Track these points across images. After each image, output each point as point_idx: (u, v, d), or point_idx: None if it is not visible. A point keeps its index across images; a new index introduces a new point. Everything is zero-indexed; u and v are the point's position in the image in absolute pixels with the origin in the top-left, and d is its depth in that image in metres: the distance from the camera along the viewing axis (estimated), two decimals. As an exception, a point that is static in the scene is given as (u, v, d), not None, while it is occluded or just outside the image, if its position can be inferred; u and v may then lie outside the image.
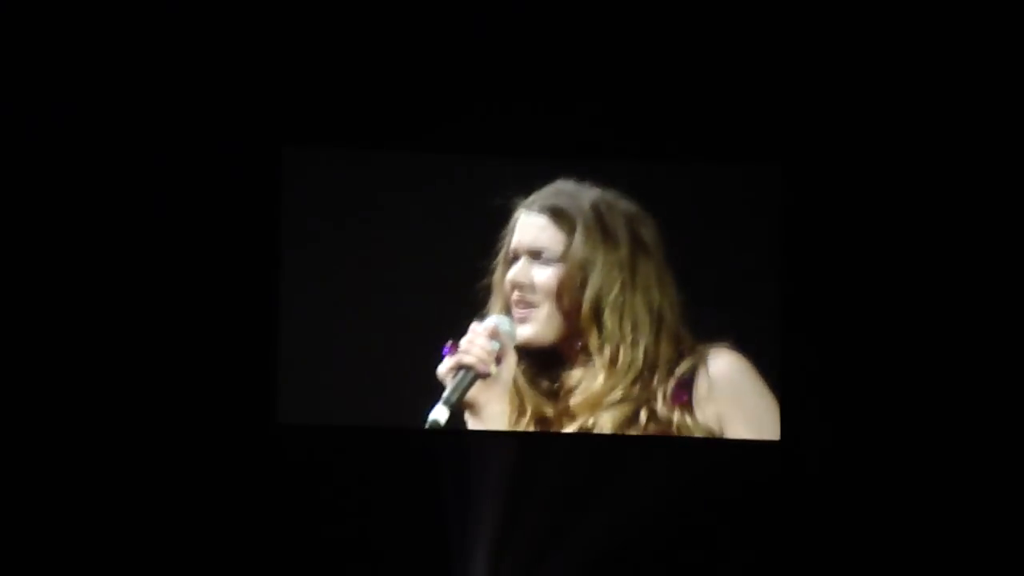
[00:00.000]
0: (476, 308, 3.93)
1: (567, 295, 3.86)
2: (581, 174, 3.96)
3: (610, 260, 3.87)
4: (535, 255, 3.87)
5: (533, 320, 3.87)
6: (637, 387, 3.89)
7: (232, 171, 4.10)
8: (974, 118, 4.16)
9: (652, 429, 3.89)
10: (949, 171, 4.17)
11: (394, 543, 4.09)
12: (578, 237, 3.87)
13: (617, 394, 3.88)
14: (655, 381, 3.90)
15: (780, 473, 4.13)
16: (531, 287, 3.86)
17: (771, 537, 4.12)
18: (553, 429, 3.91)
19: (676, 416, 3.87)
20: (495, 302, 3.91)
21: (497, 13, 4.14)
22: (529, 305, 3.86)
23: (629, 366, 3.88)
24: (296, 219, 4.12)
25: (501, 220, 3.94)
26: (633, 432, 3.90)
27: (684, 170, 4.18)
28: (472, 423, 3.81)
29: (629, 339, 3.87)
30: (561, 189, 3.94)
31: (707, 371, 3.88)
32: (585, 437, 3.96)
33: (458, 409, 3.77)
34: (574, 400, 3.89)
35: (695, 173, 4.19)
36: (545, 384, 3.90)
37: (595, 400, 3.87)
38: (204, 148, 4.10)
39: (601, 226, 3.89)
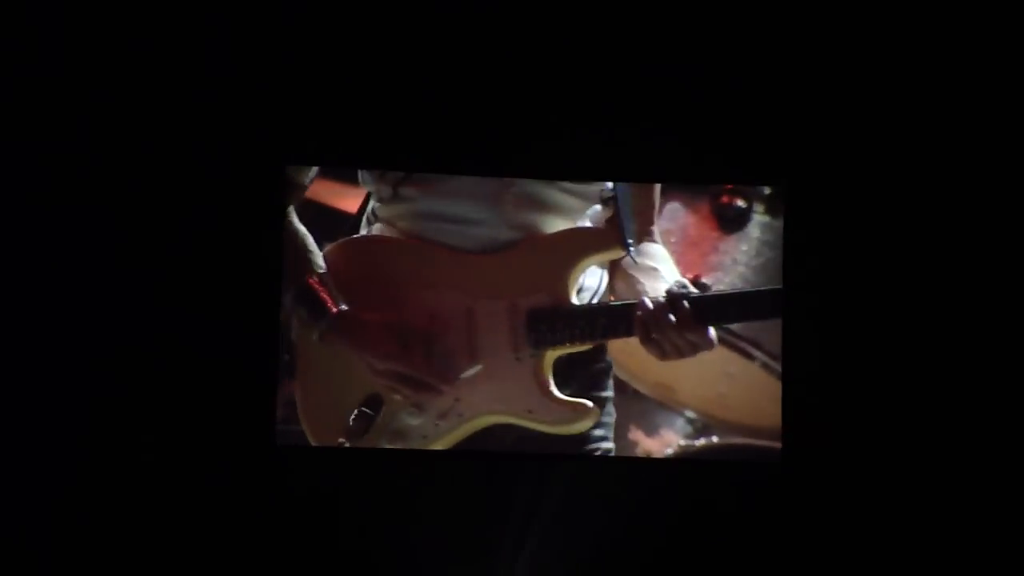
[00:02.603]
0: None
1: None
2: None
3: None
4: None
5: None
6: None
7: (235, 193, 4.11)
8: (971, 138, 4.23)
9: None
10: (950, 191, 4.23)
11: (393, 565, 4.07)
12: None
13: None
14: None
15: (781, 487, 4.14)
16: None
17: (773, 552, 4.12)
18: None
19: None
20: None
21: (501, 37, 4.17)
22: None
23: None
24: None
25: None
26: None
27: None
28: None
29: None
30: None
31: None
32: (586, 459, 4.06)
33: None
34: None
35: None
36: None
37: None
38: (206, 170, 4.11)
39: None
